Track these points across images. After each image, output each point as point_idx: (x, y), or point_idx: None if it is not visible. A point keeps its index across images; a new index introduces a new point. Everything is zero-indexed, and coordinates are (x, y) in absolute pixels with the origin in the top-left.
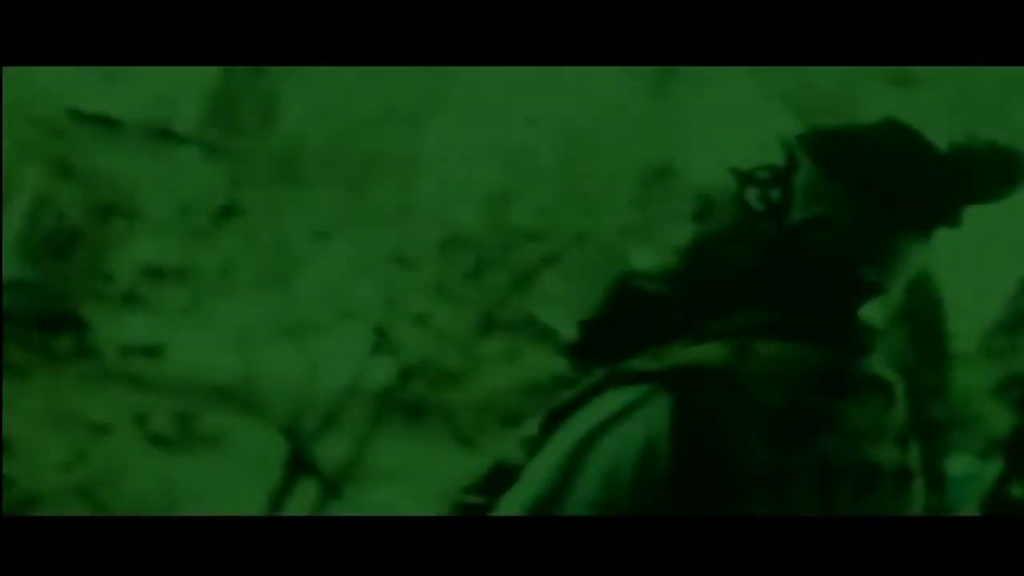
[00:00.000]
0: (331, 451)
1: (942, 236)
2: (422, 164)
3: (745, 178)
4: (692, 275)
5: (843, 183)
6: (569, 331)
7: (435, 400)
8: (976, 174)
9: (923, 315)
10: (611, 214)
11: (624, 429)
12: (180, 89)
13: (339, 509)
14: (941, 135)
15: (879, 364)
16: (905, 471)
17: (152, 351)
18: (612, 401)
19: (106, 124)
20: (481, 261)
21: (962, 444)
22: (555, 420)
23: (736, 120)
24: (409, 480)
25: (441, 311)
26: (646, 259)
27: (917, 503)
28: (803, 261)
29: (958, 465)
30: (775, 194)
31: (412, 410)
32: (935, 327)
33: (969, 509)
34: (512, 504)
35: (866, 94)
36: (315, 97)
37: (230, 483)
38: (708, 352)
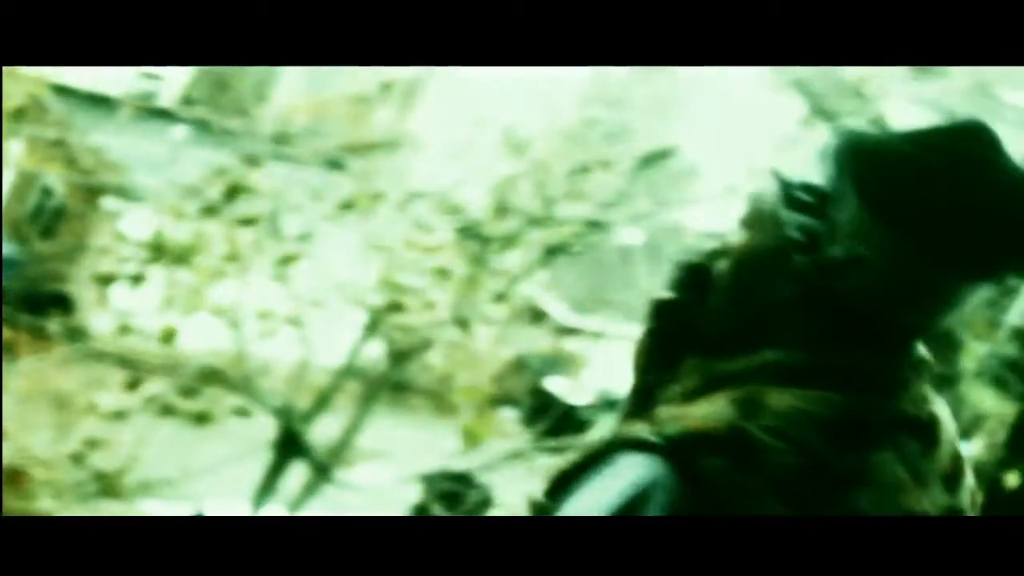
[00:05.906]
0: (324, 432)
1: None
2: (420, 145)
3: (787, 195)
4: (730, 297)
5: (890, 225)
6: (564, 315)
7: (427, 381)
8: None
9: None
10: (614, 200)
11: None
12: (170, 67)
13: (329, 490)
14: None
15: (915, 403)
16: (956, 512)
17: (141, 331)
18: (617, 475)
19: (95, 101)
20: (484, 245)
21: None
22: (561, 485)
23: (745, 105)
24: (398, 459)
25: (439, 294)
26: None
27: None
28: (833, 299)
29: None
30: (813, 223)
31: (402, 390)
32: None
33: None
34: None
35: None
36: (306, 73)
37: (225, 463)
38: (713, 412)
